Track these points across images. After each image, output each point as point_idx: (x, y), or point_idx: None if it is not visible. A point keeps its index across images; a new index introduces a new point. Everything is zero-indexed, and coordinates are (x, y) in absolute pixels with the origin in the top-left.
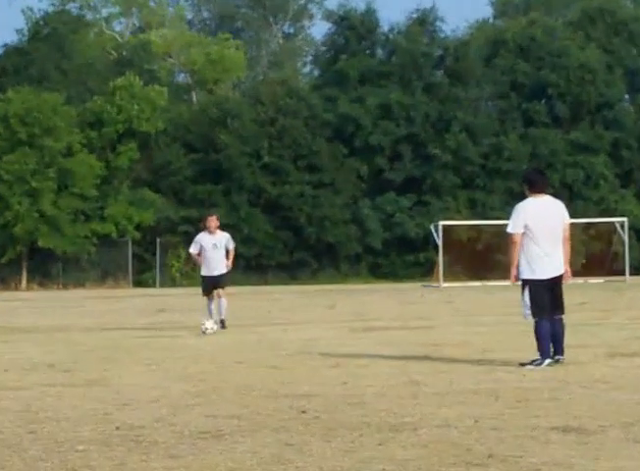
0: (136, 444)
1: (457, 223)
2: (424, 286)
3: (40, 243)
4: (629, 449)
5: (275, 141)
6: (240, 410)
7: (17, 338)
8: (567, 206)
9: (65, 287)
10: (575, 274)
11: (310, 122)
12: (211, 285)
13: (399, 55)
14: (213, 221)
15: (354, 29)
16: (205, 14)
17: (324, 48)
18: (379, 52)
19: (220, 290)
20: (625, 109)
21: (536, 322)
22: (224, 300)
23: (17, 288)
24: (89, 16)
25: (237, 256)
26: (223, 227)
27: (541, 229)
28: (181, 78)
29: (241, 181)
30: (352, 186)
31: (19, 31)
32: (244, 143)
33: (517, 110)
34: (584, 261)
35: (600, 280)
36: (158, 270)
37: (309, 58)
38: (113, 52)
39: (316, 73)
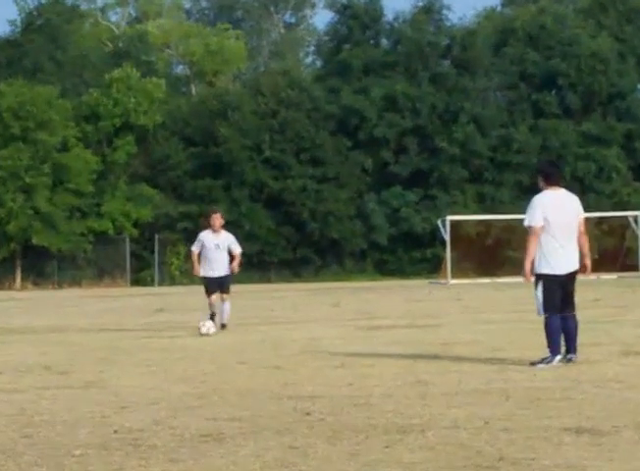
0: (135, 447)
1: (466, 217)
2: (431, 282)
3: (35, 241)
4: None
5: (277, 134)
6: (242, 412)
7: (11, 338)
8: (579, 200)
9: (60, 286)
10: None
11: (313, 114)
12: (214, 285)
13: (404, 44)
14: (217, 219)
15: (358, 18)
16: (204, 3)
17: (327, 38)
18: (383, 42)
19: (224, 295)
20: (638, 99)
21: (546, 318)
22: (227, 304)
23: (10, 288)
24: (84, 6)
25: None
26: (224, 224)
27: (559, 223)
28: (179, 69)
29: (242, 175)
30: (357, 181)
31: (11, 22)
32: (245, 136)
33: (527, 101)
34: (597, 257)
35: (613, 276)
36: (157, 268)
37: (311, 48)
38: (109, 43)
39: (319, 63)
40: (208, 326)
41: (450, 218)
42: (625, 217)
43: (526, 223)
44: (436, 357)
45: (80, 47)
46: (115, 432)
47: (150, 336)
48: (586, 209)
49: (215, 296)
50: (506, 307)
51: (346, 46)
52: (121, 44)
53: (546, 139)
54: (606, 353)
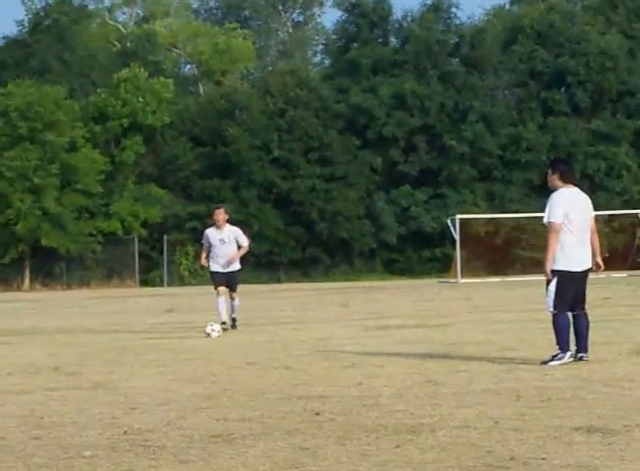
0: (145, 448)
1: (475, 216)
2: (441, 282)
3: (43, 242)
4: None
5: (285, 134)
6: (251, 413)
7: (19, 339)
8: (590, 198)
9: (69, 286)
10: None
11: (321, 113)
12: (222, 280)
13: (412, 43)
14: (220, 214)
15: (366, 17)
16: (212, 2)
17: (335, 37)
18: (392, 40)
19: (232, 293)
20: None
21: (555, 314)
22: (236, 301)
23: (19, 289)
24: (92, 6)
25: (247, 253)
26: (232, 223)
27: (577, 220)
28: (187, 69)
29: (251, 175)
30: (366, 180)
31: (19, 23)
32: (254, 136)
33: (536, 99)
34: (607, 255)
35: (623, 274)
36: (165, 268)
37: (320, 47)
38: (117, 43)
39: (327, 62)
40: (215, 328)
41: (459, 217)
42: (636, 215)
43: (546, 219)
44: (446, 357)
45: (88, 47)
46: (124, 433)
47: (159, 336)
48: (596, 207)
49: (223, 288)
50: (516, 306)
51: (355, 45)
52: (128, 44)
53: (555, 137)
54: (616, 352)
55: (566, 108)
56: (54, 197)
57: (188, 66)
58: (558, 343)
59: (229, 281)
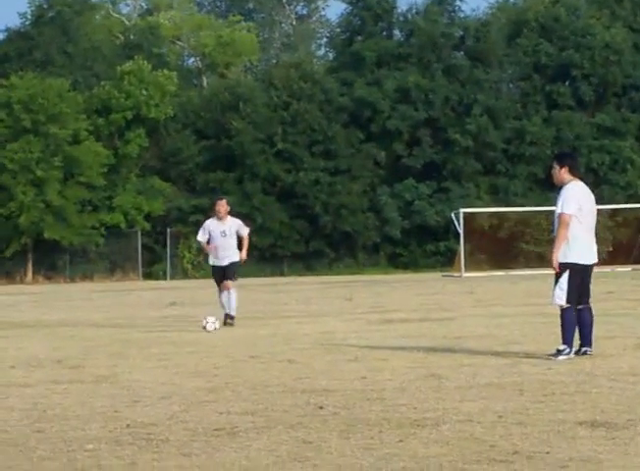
0: (148, 442)
1: (479, 210)
2: (445, 275)
3: (46, 235)
4: None
5: (289, 127)
6: (254, 406)
7: (22, 333)
8: (593, 192)
9: (72, 279)
10: (602, 262)
11: (325, 106)
12: (220, 275)
13: (417, 36)
14: (222, 206)
15: (371, 10)
16: None
17: (339, 30)
18: (396, 33)
19: (228, 282)
20: None
21: (564, 309)
22: (233, 293)
23: (22, 282)
24: None
25: (251, 246)
26: (235, 216)
27: (588, 214)
28: (190, 62)
29: (254, 168)
30: (370, 173)
31: (22, 15)
32: (257, 129)
33: (540, 92)
34: (611, 249)
35: (627, 268)
36: (169, 261)
37: (324, 40)
38: (120, 36)
39: (331, 55)
40: (211, 321)
41: (463, 210)
42: None
43: (559, 210)
44: (449, 351)
45: (91, 39)
46: (127, 426)
47: (162, 330)
48: (600, 201)
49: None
50: (520, 300)
51: (359, 38)
52: (132, 36)
53: (560, 131)
54: (620, 346)
55: (571, 102)
56: (57, 190)
57: (192, 58)
58: (563, 337)
59: (226, 272)
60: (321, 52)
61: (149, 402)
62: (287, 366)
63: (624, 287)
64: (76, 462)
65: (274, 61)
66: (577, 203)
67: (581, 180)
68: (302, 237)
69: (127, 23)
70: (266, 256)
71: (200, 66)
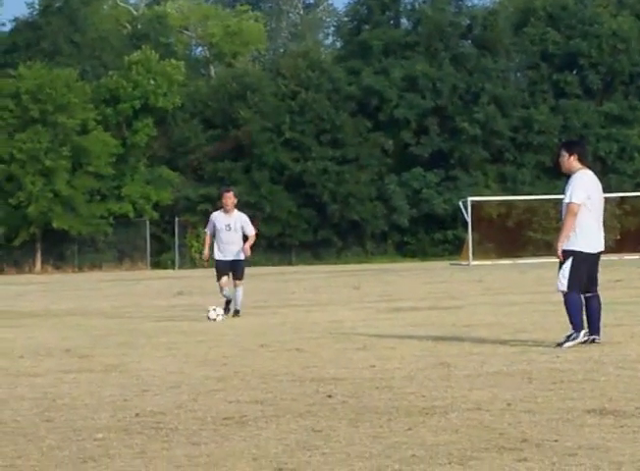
0: (157, 431)
1: (487, 198)
2: (453, 264)
3: (55, 224)
4: None
5: (296, 116)
6: (263, 395)
7: (31, 322)
8: (601, 180)
9: (80, 269)
10: (610, 250)
11: (333, 95)
12: (225, 271)
13: (424, 25)
14: (230, 198)
15: None
16: None
17: (346, 19)
18: (404, 22)
19: (237, 281)
20: None
21: (567, 294)
22: (240, 291)
23: (31, 271)
24: None
25: (258, 236)
26: (244, 205)
27: (597, 202)
28: (198, 51)
29: (262, 157)
30: (377, 162)
31: (29, 5)
32: (265, 118)
33: (548, 81)
34: (619, 237)
35: (635, 256)
36: (177, 251)
37: (331, 29)
38: (128, 25)
39: (338, 44)
40: (218, 312)
41: (471, 199)
42: None
43: (567, 199)
44: (458, 339)
45: (99, 29)
46: (136, 415)
47: (171, 319)
48: (608, 189)
49: (225, 279)
50: (528, 288)
51: (367, 27)
52: (140, 26)
53: (567, 120)
54: (628, 334)
55: (578, 90)
56: (65, 180)
57: (200, 48)
58: (571, 323)
59: (233, 267)
60: (328, 41)
61: (158, 391)
62: (295, 355)
63: (632, 274)
64: (85, 451)
65: (281, 50)
66: (586, 192)
67: (589, 168)
68: (310, 226)
69: (134, 12)
70: (274, 245)
71: (208, 55)
